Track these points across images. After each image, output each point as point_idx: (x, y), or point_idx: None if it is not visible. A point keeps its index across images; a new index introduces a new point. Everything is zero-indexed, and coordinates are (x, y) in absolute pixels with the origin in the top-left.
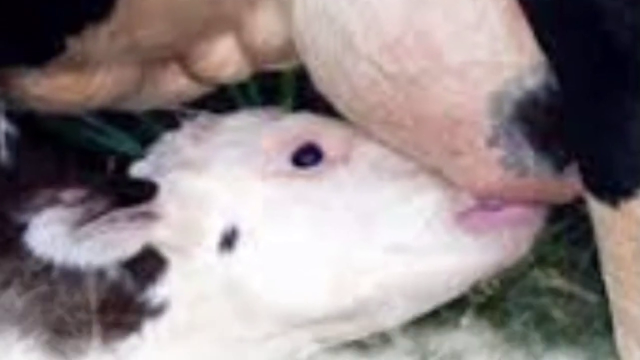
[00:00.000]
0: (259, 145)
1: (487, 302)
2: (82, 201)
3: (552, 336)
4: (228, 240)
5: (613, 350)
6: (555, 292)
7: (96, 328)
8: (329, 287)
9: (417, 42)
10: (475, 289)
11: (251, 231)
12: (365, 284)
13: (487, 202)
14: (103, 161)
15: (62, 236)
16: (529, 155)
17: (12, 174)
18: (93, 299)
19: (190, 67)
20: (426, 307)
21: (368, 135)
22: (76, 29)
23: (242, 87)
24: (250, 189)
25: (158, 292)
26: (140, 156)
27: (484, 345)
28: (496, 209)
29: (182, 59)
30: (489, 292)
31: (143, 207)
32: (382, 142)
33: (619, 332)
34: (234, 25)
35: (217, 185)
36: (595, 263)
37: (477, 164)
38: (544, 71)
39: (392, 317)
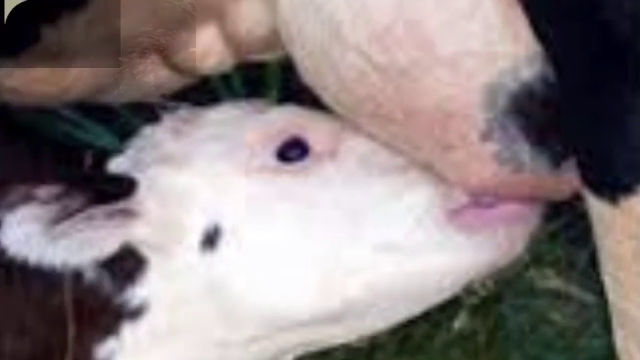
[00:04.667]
0: (243, 140)
1: (481, 303)
2: (58, 198)
3: (549, 339)
4: (210, 239)
5: (612, 354)
6: (552, 293)
7: (72, 331)
8: (315, 288)
9: (408, 32)
10: (469, 289)
11: (234, 229)
12: (353, 285)
13: (481, 198)
14: (80, 156)
15: (37, 234)
16: (524, 150)
17: None
18: (69, 301)
19: (170, 58)
20: (417, 308)
21: (356, 129)
22: (52, 17)
23: (225, 78)
24: (233, 185)
25: (137, 293)
26: (118, 151)
27: (478, 349)
28: (490, 206)
29: (162, 49)
30: (483, 293)
31: (121, 204)
32: (371, 137)
33: (619, 335)
34: (217, 13)
35: (198, 182)
36: (593, 263)
37: (470, 159)
38: (540, 62)
39: (382, 319)
